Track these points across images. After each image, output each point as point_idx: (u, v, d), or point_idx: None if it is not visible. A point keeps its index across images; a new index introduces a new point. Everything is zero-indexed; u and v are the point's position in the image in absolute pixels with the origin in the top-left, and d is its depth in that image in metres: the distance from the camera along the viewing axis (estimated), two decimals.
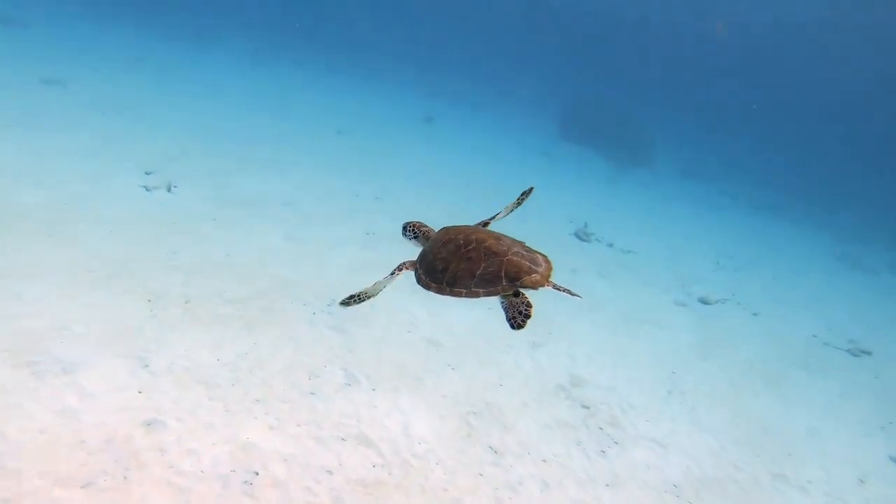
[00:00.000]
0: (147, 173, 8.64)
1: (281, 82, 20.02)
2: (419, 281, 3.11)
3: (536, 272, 2.85)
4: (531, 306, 2.80)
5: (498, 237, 3.05)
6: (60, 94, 11.92)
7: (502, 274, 2.83)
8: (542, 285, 2.84)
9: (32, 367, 4.23)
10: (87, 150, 8.97)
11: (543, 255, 3.02)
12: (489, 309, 6.62)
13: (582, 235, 11.55)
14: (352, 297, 3.19)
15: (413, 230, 3.44)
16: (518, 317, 2.79)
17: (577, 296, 2.83)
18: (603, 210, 14.34)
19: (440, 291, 2.98)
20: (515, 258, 2.88)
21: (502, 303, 2.88)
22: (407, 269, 3.26)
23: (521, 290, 2.84)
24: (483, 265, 2.89)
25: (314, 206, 9.28)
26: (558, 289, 2.89)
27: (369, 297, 3.21)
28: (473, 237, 3.04)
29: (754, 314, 9.77)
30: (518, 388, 5.82)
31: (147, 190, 8.00)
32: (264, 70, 21.23)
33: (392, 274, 3.23)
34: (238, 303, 5.76)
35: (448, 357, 5.99)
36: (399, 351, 5.84)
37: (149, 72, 16.27)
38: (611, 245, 11.59)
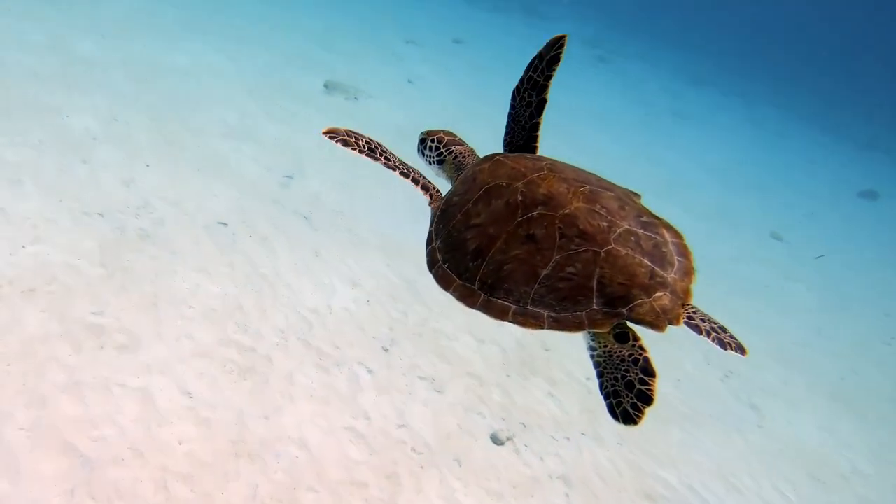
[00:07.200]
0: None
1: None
2: (431, 263, 1.60)
3: (664, 288, 1.35)
4: (654, 375, 1.28)
5: (592, 193, 1.50)
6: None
7: (593, 284, 1.36)
8: (676, 320, 1.34)
9: None
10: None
11: (677, 237, 1.50)
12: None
13: None
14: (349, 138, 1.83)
15: (437, 145, 1.90)
16: (626, 395, 1.27)
17: (741, 350, 1.37)
18: None
19: (465, 299, 1.47)
20: (625, 250, 1.39)
21: (592, 350, 1.41)
22: (432, 198, 1.78)
23: (632, 327, 1.36)
24: (558, 257, 1.39)
25: None
26: (700, 329, 1.37)
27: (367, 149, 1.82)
28: (543, 190, 1.50)
29: None
30: None
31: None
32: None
33: (412, 177, 1.80)
34: None
35: None
36: None
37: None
38: None
